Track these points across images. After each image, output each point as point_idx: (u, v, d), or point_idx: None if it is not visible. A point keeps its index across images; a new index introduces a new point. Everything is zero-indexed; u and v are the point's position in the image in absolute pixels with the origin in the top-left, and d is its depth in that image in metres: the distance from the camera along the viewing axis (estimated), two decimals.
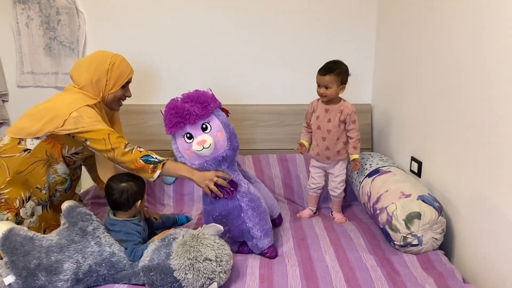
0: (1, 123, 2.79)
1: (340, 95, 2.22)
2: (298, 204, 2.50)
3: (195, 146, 1.77)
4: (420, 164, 2.17)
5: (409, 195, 1.86)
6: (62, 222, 1.69)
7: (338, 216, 2.29)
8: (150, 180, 1.81)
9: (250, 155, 2.77)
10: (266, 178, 2.56)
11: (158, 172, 1.79)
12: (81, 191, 2.58)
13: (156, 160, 1.81)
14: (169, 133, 1.82)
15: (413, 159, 2.24)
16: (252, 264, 1.77)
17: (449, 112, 1.89)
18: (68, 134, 1.83)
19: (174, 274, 1.50)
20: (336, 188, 2.30)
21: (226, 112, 1.94)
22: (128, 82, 2.03)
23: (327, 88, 2.14)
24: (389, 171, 2.13)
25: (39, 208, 1.93)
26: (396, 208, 1.83)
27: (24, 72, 2.73)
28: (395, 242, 1.83)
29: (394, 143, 2.53)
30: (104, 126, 1.82)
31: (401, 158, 2.40)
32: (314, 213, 2.37)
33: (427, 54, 2.10)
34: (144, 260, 1.57)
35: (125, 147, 1.80)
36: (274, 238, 1.95)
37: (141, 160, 1.79)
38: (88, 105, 1.85)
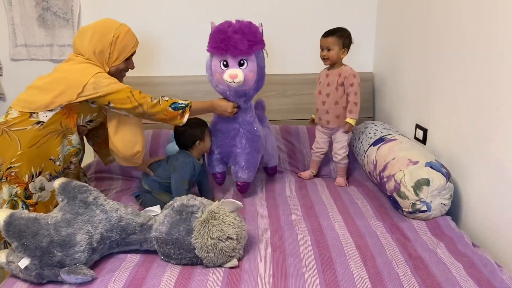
0: None
1: (343, 61, 2.25)
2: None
3: (227, 76, 1.91)
4: (425, 131, 2.17)
5: (416, 162, 1.87)
6: (60, 199, 1.66)
7: (339, 179, 2.33)
8: (180, 124, 1.94)
9: None
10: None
11: (186, 116, 1.92)
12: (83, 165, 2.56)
13: (182, 105, 1.92)
14: (209, 51, 1.96)
15: (418, 126, 2.24)
16: (263, 233, 1.78)
17: (456, 78, 1.88)
18: (87, 101, 1.81)
19: (195, 252, 1.52)
20: (337, 154, 2.32)
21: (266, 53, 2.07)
22: (132, 54, 1.97)
23: (329, 50, 2.18)
24: (394, 139, 2.13)
25: (51, 184, 1.90)
26: (404, 175, 1.84)
27: (18, 44, 2.65)
28: (403, 209, 1.86)
29: (397, 111, 2.53)
30: (123, 85, 1.84)
31: (405, 126, 2.40)
32: (314, 176, 2.45)
33: (432, 18, 2.07)
34: (160, 231, 1.57)
35: (151, 100, 1.86)
36: (280, 205, 2.03)
37: (170, 109, 1.88)
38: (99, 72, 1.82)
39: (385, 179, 1.96)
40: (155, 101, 1.86)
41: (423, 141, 2.19)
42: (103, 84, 1.79)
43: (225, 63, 1.93)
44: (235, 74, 1.90)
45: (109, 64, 1.89)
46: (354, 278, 1.46)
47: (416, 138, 2.26)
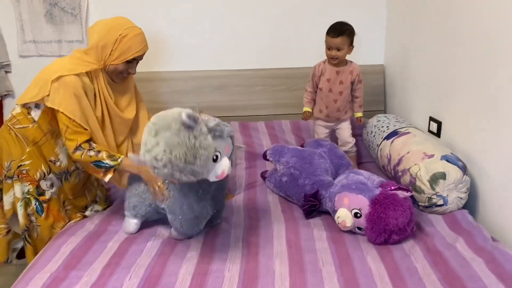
0: (5, 94, 2.71)
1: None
2: None
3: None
4: (439, 124, 2.14)
5: (432, 156, 1.85)
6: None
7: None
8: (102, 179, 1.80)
9: (262, 121, 2.73)
10: (281, 142, 2.53)
11: (109, 176, 1.76)
12: None
13: (107, 165, 1.75)
14: None
15: (431, 119, 2.21)
16: (278, 228, 1.76)
17: (472, 69, 1.84)
18: None
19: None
20: (347, 142, 2.35)
21: None
22: (136, 59, 1.86)
23: (339, 50, 2.16)
24: (408, 132, 2.10)
25: (58, 181, 1.90)
26: (419, 169, 1.82)
27: (26, 41, 2.63)
28: (419, 203, 1.83)
29: (409, 104, 2.50)
30: (70, 110, 1.70)
31: (418, 119, 2.37)
32: None
33: (446, 7, 2.03)
34: None
35: (75, 149, 1.73)
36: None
37: (92, 165, 1.75)
38: (76, 74, 1.73)
39: (400, 173, 1.94)
40: (78, 152, 1.73)
41: (437, 134, 2.16)
42: (58, 95, 1.70)
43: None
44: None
45: (108, 61, 1.81)
46: (373, 273, 1.45)
47: (429, 131, 2.23)
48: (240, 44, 2.76)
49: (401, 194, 1.63)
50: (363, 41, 2.58)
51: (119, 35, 1.79)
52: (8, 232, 1.92)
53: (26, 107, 1.79)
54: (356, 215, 1.66)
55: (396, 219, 1.58)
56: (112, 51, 1.80)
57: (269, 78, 2.78)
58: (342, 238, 1.67)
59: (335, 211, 1.74)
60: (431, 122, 2.21)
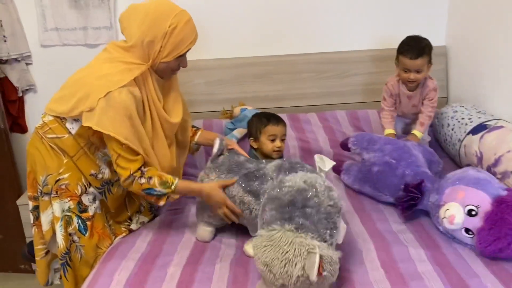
0: (27, 89, 2.43)
1: None
2: None
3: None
4: None
5: None
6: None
7: None
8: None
9: (314, 112, 2.44)
10: (338, 136, 2.27)
11: (162, 202, 1.55)
12: None
13: (159, 193, 1.52)
14: None
15: None
16: (366, 246, 1.50)
17: None
18: None
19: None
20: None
21: None
22: (188, 50, 1.59)
23: (418, 72, 1.88)
24: (501, 126, 1.82)
25: (99, 194, 1.65)
26: None
27: (48, 29, 2.33)
28: None
29: (484, 91, 2.19)
30: (123, 134, 1.44)
31: (499, 110, 2.07)
32: None
33: None
34: None
35: (127, 178, 1.49)
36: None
37: (143, 193, 1.53)
38: (124, 86, 1.45)
39: (499, 176, 1.66)
40: (129, 180, 1.49)
41: None
42: (107, 117, 1.43)
43: None
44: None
45: (158, 59, 1.53)
46: None
47: None
48: (283, 26, 2.44)
49: None
50: (423, 19, 2.28)
51: (169, 26, 1.49)
52: (47, 253, 1.68)
53: (60, 117, 1.53)
54: (470, 213, 1.40)
55: None
56: (162, 47, 1.51)
57: (317, 63, 2.48)
58: (445, 258, 1.41)
59: (439, 207, 1.46)
60: None
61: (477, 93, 2.26)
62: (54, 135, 1.53)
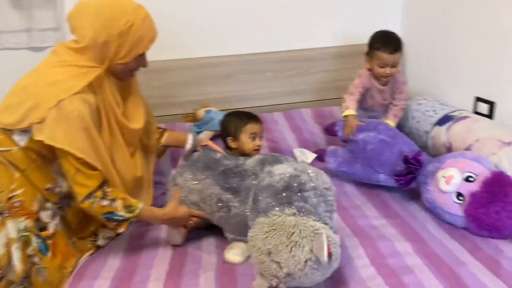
0: None
1: None
2: None
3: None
4: (491, 104, 1.92)
5: (510, 143, 1.62)
6: None
7: None
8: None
9: (279, 111, 2.40)
10: (305, 134, 2.24)
11: (122, 229, 1.43)
12: None
13: (121, 218, 1.40)
14: None
15: (479, 99, 1.99)
16: (352, 242, 1.47)
17: None
18: None
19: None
20: None
21: None
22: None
23: (394, 66, 1.92)
24: (466, 117, 1.87)
25: (59, 209, 1.49)
26: (501, 160, 1.58)
27: None
28: None
29: (441, 83, 2.26)
30: (79, 147, 1.31)
31: (459, 101, 2.13)
32: None
33: None
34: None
35: (86, 197, 1.36)
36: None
37: (102, 218, 1.40)
38: (78, 92, 1.33)
39: None
40: (88, 200, 1.36)
41: (489, 116, 1.94)
42: (60, 130, 1.30)
43: None
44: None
45: (115, 60, 1.40)
46: None
47: (476, 113, 2.00)
48: (243, 25, 2.37)
49: None
50: (376, 8, 2.30)
51: (124, 24, 1.36)
52: (1, 279, 1.49)
53: (6, 129, 1.37)
54: (467, 179, 1.46)
55: None
56: (118, 47, 1.38)
57: (280, 62, 2.44)
58: (431, 250, 1.41)
59: (437, 172, 1.52)
60: (479, 102, 1.99)
61: (436, 85, 2.33)
62: (2, 148, 1.37)
